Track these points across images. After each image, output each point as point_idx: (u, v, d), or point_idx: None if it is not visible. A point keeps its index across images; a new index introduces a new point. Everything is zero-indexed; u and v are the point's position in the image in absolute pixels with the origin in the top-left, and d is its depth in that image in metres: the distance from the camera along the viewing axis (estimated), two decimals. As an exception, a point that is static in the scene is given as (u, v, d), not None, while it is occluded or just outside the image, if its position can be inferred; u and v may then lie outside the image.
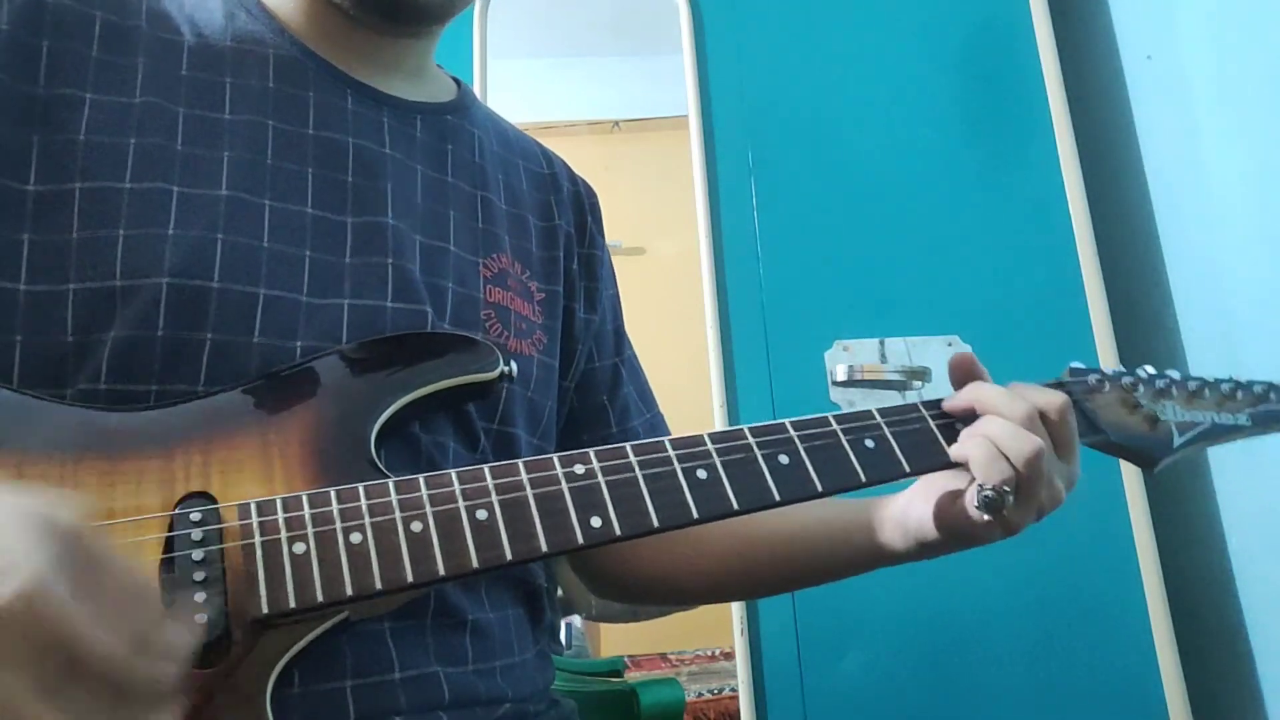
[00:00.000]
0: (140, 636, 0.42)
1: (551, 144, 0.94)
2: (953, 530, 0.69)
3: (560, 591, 1.76)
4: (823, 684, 1.44)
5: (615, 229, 0.96)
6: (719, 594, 0.91)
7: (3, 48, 0.61)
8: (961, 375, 0.71)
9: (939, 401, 0.70)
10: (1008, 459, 0.64)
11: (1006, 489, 0.63)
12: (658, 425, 0.92)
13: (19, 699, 0.38)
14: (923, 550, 0.72)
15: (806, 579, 0.82)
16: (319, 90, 0.71)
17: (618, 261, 0.95)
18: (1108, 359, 1.56)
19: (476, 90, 1.72)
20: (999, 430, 0.65)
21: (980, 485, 0.64)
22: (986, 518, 0.64)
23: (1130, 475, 1.51)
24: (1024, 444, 0.64)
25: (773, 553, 0.80)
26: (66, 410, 0.56)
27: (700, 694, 1.96)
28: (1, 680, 0.38)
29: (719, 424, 1.56)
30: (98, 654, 0.40)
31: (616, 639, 2.41)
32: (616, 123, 2.67)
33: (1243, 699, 1.47)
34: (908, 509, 0.73)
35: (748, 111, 1.73)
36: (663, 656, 2.38)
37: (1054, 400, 0.68)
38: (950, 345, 1.60)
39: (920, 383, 1.58)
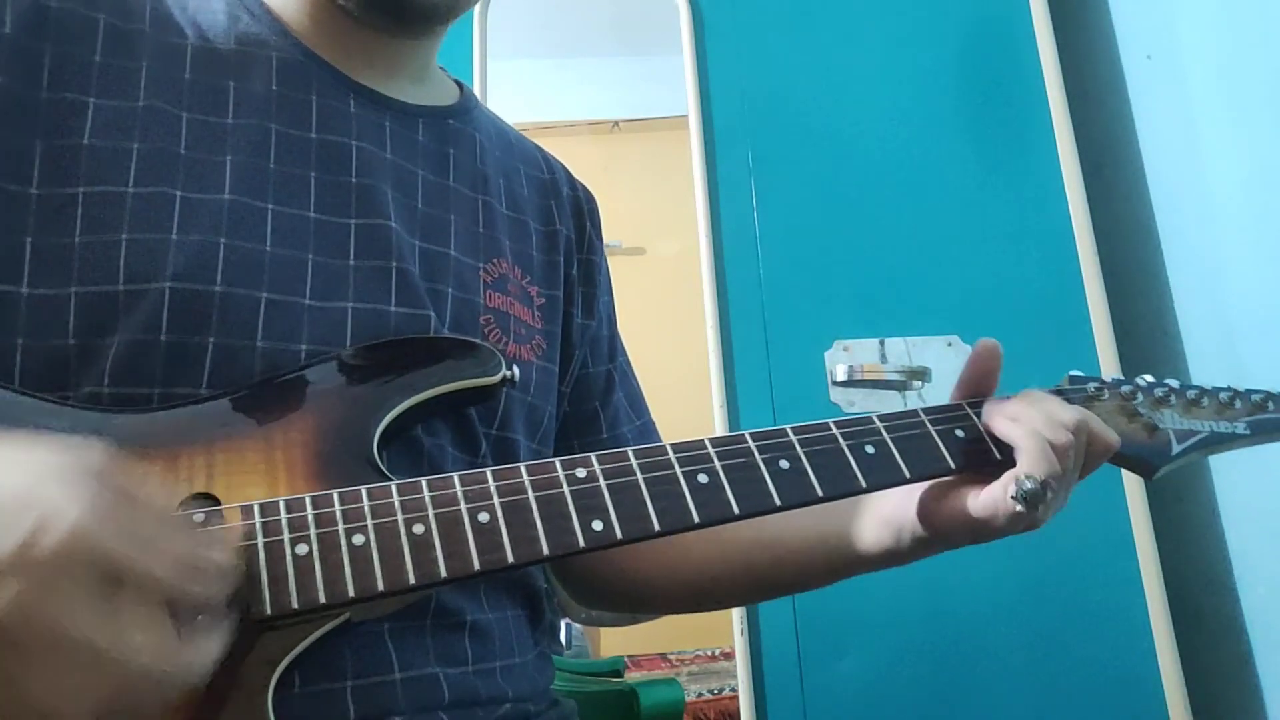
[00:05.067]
0: (184, 559, 0.45)
1: (551, 144, 0.94)
2: (958, 524, 0.67)
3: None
4: (823, 684, 1.45)
5: (615, 229, 0.96)
6: (703, 602, 0.88)
7: (5, 52, 0.61)
8: (978, 369, 0.70)
9: (940, 407, 0.69)
10: (1054, 454, 0.63)
11: (1050, 483, 0.62)
12: (648, 431, 0.92)
13: (88, 631, 0.41)
14: (915, 548, 0.71)
15: (796, 585, 0.81)
16: (321, 94, 0.71)
17: (617, 262, 0.95)
18: (1107, 359, 1.56)
19: (476, 91, 1.72)
20: (1044, 423, 0.64)
21: (1027, 476, 0.62)
22: (1020, 509, 0.62)
23: (1130, 475, 1.51)
24: (1064, 437, 0.64)
25: (767, 558, 0.79)
26: (72, 411, 0.56)
27: (700, 694, 1.96)
28: (66, 616, 0.41)
29: (719, 424, 1.56)
30: (150, 577, 0.43)
31: (616, 639, 2.41)
32: (616, 123, 2.67)
33: (1243, 699, 1.47)
34: (903, 505, 0.71)
35: (748, 111, 1.73)
36: (663, 656, 2.37)
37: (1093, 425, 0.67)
38: (950, 345, 1.60)
39: (920, 383, 1.58)
